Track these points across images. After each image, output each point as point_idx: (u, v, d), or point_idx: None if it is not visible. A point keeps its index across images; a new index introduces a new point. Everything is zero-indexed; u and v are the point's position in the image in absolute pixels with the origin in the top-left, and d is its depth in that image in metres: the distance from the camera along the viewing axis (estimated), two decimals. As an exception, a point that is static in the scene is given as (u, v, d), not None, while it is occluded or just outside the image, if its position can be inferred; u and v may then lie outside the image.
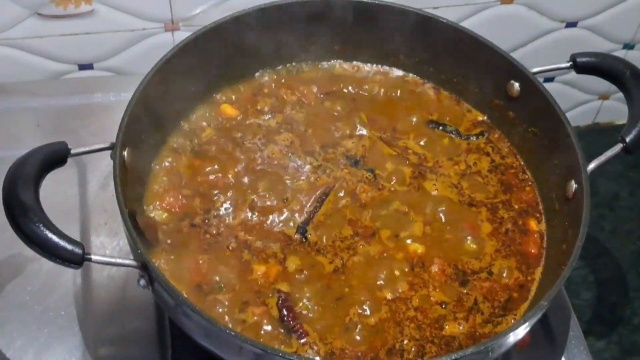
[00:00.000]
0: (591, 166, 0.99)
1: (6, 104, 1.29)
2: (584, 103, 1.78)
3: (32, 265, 1.09)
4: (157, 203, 1.03)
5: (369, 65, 1.22)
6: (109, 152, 0.95)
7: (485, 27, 1.47)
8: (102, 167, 1.18)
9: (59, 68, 1.40)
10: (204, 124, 1.13)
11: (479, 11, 1.48)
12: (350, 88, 1.19)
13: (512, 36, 1.55)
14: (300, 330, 0.94)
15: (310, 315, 0.95)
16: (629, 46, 1.66)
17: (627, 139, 1.01)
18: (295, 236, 1.02)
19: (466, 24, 1.34)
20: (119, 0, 1.32)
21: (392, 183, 1.09)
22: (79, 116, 1.27)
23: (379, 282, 0.99)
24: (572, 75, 1.64)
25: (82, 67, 1.41)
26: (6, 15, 1.30)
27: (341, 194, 1.07)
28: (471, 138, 1.15)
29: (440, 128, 1.15)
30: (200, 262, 0.98)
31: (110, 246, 1.12)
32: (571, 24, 1.57)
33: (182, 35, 1.38)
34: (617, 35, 1.62)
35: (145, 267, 0.88)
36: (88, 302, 1.07)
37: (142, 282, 0.89)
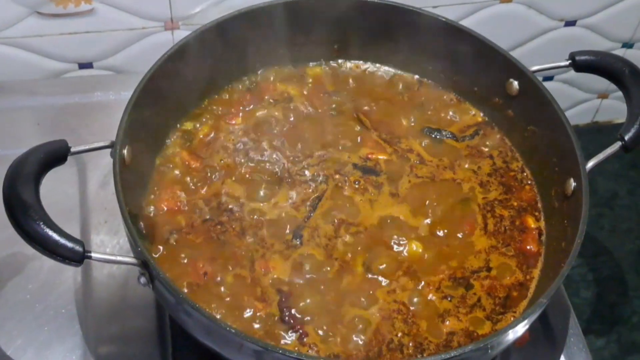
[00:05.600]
0: (590, 164, 0.99)
1: (6, 103, 1.29)
2: (583, 102, 1.78)
3: (33, 263, 1.09)
4: (157, 201, 1.04)
5: (368, 64, 1.22)
6: (109, 150, 0.95)
7: (484, 26, 1.47)
8: (102, 165, 1.18)
9: (59, 67, 1.40)
10: (205, 122, 1.13)
11: (478, 10, 1.48)
12: (350, 87, 1.19)
13: (511, 35, 1.55)
14: (301, 331, 0.94)
15: (310, 316, 0.95)
16: (628, 45, 1.66)
17: (626, 137, 1.01)
18: (293, 241, 1.02)
19: (465, 23, 1.35)
20: (118, -1, 1.32)
21: (391, 184, 1.09)
22: (78, 115, 1.27)
23: (377, 283, 0.99)
24: (571, 74, 1.65)
25: (82, 65, 1.41)
26: (6, 14, 1.30)
27: (337, 196, 1.07)
28: (466, 139, 1.15)
29: (435, 134, 1.15)
30: (200, 259, 0.98)
31: (110, 244, 1.12)
32: (570, 23, 1.57)
33: (182, 34, 1.38)
34: (616, 34, 1.62)
35: (145, 265, 0.88)
36: (88, 300, 1.07)
37: (143, 279, 0.89)
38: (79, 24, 1.34)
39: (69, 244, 0.84)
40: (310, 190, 1.07)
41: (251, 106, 1.16)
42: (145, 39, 1.39)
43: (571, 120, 1.04)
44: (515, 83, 1.10)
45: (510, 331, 0.88)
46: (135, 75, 1.03)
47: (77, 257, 0.84)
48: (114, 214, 1.13)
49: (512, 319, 0.97)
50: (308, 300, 0.96)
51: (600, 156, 1.00)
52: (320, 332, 0.94)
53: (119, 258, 0.89)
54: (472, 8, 1.48)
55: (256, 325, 0.94)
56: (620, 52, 1.66)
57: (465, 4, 1.46)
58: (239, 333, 0.83)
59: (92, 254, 0.85)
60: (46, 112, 1.28)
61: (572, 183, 1.00)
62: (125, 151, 0.96)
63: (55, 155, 0.92)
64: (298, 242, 1.02)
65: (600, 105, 1.80)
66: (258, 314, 0.95)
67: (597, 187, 1.73)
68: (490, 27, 1.47)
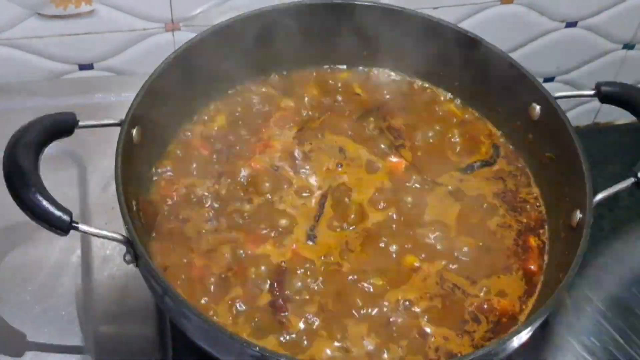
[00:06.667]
0: (599, 197, 0.98)
1: (6, 104, 1.29)
2: (584, 103, 1.78)
3: (33, 265, 1.09)
4: (162, 188, 1.04)
5: (386, 71, 1.22)
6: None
7: (485, 27, 1.47)
8: (103, 168, 1.18)
9: (59, 68, 1.40)
10: (217, 115, 1.13)
11: (479, 11, 1.48)
12: (372, 95, 1.20)
13: (512, 36, 1.55)
14: (286, 313, 0.94)
15: (312, 318, 0.95)
16: (629, 46, 1.66)
17: (639, 174, 1.00)
18: (307, 242, 1.02)
19: (466, 24, 1.35)
20: (119, 0, 1.32)
21: (396, 186, 1.09)
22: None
23: (379, 284, 0.99)
24: (572, 75, 1.65)
25: (83, 67, 1.41)
26: (6, 15, 1.30)
27: (347, 197, 1.07)
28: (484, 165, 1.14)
29: (473, 168, 1.14)
30: (199, 253, 0.99)
31: (110, 246, 1.12)
32: (571, 24, 1.57)
33: (182, 35, 1.38)
34: (617, 35, 1.62)
35: (130, 243, 0.88)
36: (88, 302, 1.07)
37: (128, 257, 0.90)
38: (79, 25, 1.34)
39: (57, 212, 0.84)
40: (321, 192, 1.07)
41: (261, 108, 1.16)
42: (146, 40, 1.39)
43: (572, 122, 1.04)
44: (538, 108, 1.09)
45: (514, 338, 0.88)
46: (136, 77, 1.03)
47: (64, 225, 0.85)
48: (115, 217, 1.12)
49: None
50: (309, 296, 0.96)
51: (610, 190, 0.99)
52: (319, 331, 0.94)
53: (104, 232, 0.89)
54: (473, 9, 1.47)
55: (248, 316, 0.94)
56: (621, 53, 1.66)
57: (466, 5, 1.46)
58: (236, 337, 0.83)
59: (80, 226, 0.86)
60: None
61: (578, 215, 0.98)
62: (134, 131, 0.97)
63: (62, 125, 0.94)
64: (309, 242, 1.01)
65: (601, 107, 1.80)
66: (254, 306, 0.95)
67: (598, 188, 1.72)
68: (491, 29, 1.47)
